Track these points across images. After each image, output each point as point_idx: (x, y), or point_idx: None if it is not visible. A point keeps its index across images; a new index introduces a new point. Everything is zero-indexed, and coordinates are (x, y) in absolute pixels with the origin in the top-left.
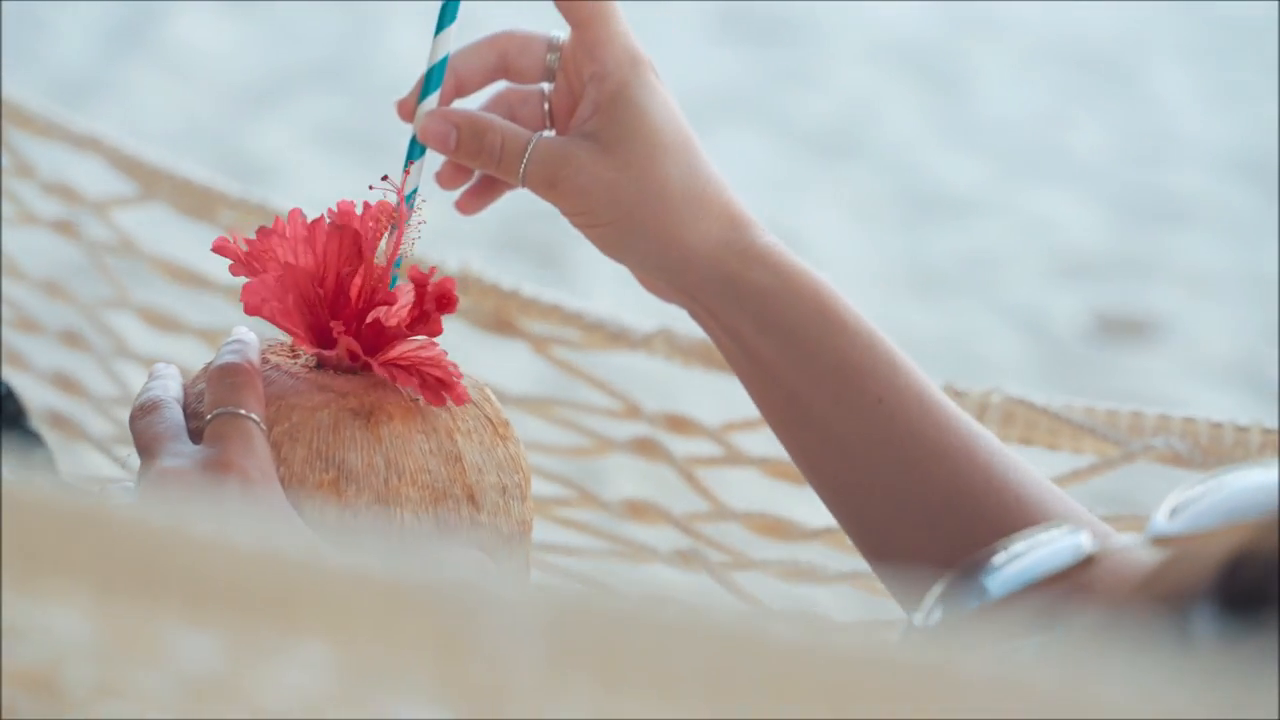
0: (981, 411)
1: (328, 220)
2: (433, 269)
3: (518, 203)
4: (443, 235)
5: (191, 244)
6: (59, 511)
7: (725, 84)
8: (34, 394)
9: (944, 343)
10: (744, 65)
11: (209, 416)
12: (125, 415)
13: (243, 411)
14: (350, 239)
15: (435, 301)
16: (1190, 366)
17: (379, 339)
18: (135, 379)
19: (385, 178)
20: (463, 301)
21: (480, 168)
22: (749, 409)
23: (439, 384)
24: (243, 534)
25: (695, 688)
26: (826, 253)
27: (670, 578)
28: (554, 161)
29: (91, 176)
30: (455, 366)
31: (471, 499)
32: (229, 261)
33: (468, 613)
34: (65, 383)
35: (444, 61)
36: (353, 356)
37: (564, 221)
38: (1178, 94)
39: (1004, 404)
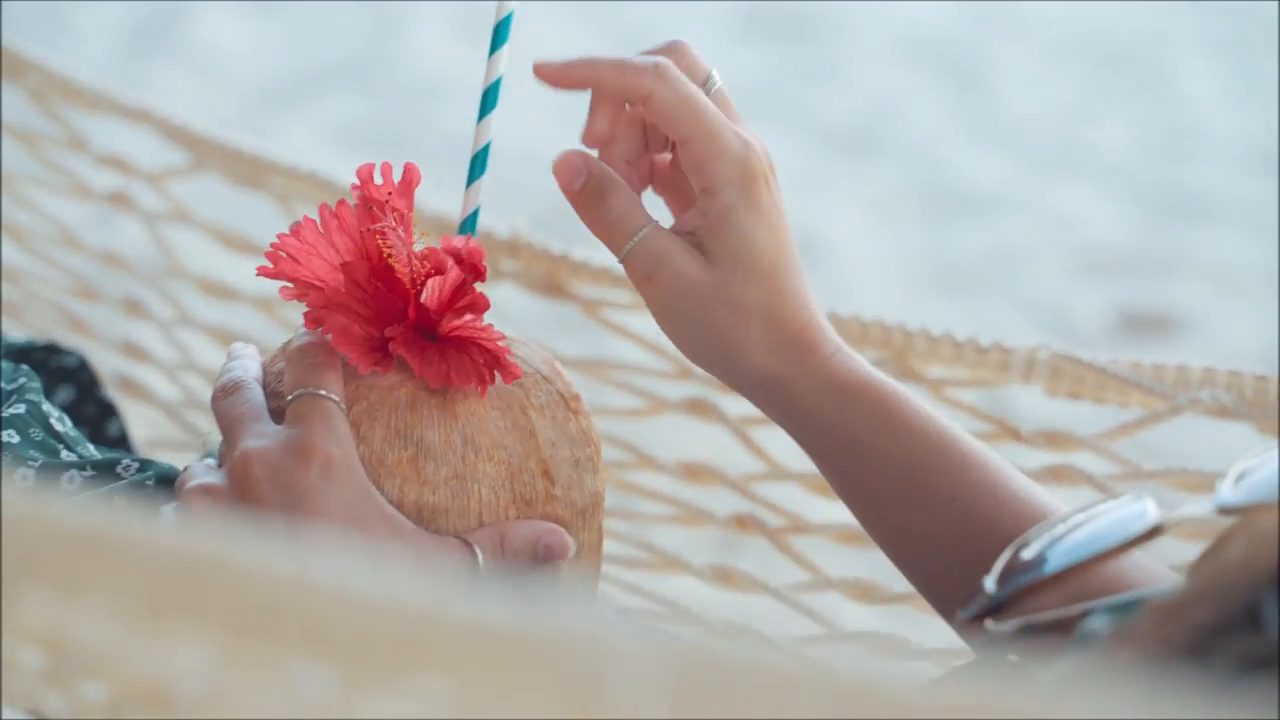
0: (1029, 368)
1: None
2: (469, 238)
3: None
4: (491, 203)
5: (244, 212)
6: (190, 557)
7: (749, 82)
8: (103, 361)
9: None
10: (768, 63)
11: (290, 397)
12: (190, 380)
13: (323, 392)
14: (374, 214)
15: (471, 271)
16: (1214, 362)
17: (441, 311)
18: (197, 345)
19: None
20: (514, 265)
21: (588, 224)
22: None
23: (494, 361)
24: (369, 583)
25: None
26: (850, 250)
27: (730, 540)
28: (656, 258)
29: (144, 148)
30: (506, 341)
31: (546, 473)
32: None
33: (592, 666)
34: (132, 350)
35: (498, 83)
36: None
37: None
38: (1201, 90)
39: (1051, 360)
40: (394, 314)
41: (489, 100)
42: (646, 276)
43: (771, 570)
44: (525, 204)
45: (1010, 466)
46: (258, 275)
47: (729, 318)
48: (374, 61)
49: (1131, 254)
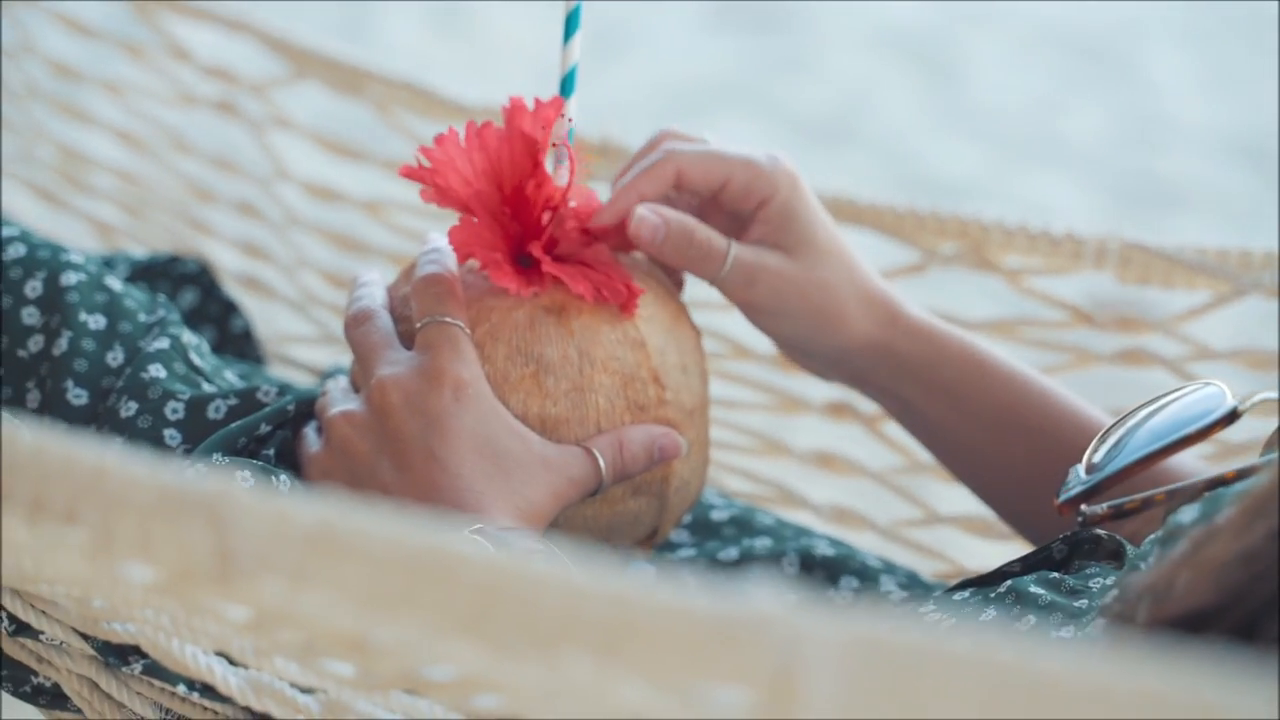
0: (1100, 256)
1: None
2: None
3: None
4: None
5: (346, 120)
6: (410, 549)
7: (721, 72)
8: (227, 259)
9: None
10: (740, 54)
11: (419, 325)
12: (306, 279)
13: (448, 319)
14: (522, 140)
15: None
16: (1188, 351)
17: (564, 240)
18: (310, 246)
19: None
20: (607, 169)
21: (681, 264)
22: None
23: (626, 288)
24: (577, 573)
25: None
26: (857, 194)
27: (825, 428)
28: (751, 267)
29: (245, 58)
30: (638, 263)
31: (657, 380)
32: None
33: (781, 648)
34: (251, 249)
35: (574, 70)
36: (553, 278)
37: None
38: (1173, 79)
39: (1122, 248)
40: (526, 238)
41: (566, 89)
42: (748, 285)
43: (867, 454)
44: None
45: (1077, 398)
46: (400, 175)
47: (826, 296)
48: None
49: None
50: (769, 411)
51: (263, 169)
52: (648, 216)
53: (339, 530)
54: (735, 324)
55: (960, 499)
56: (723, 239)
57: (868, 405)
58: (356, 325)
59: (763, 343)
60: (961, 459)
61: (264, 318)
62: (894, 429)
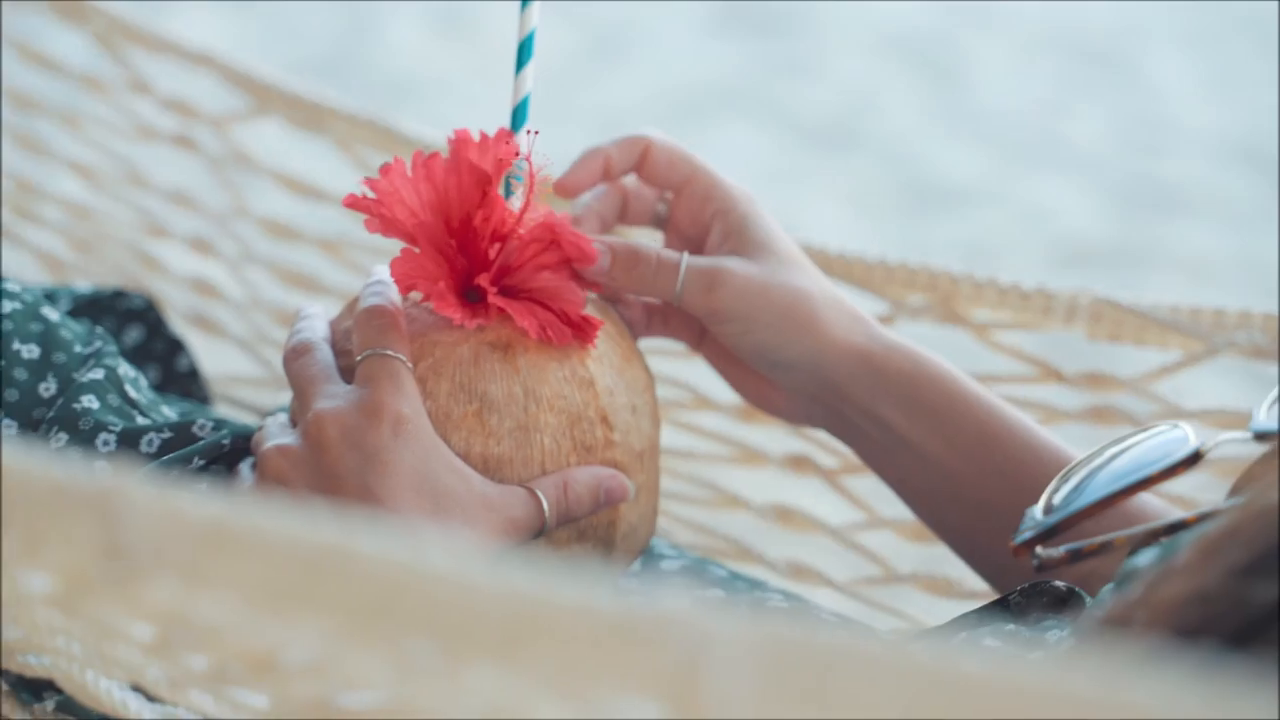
0: (1071, 312)
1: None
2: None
3: None
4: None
5: (305, 156)
6: (308, 545)
7: (724, 76)
8: (177, 297)
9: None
10: (744, 58)
11: (359, 358)
12: (258, 319)
13: (390, 352)
14: (470, 171)
15: (574, 244)
16: (1159, 410)
17: (515, 271)
18: (264, 284)
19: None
20: None
21: (633, 285)
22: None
23: (581, 322)
24: (478, 571)
25: None
26: (826, 244)
27: (783, 482)
28: (711, 270)
29: (206, 92)
30: (587, 302)
31: (605, 420)
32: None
33: (689, 648)
34: (203, 287)
35: (526, 100)
36: (499, 310)
37: None
38: (1175, 82)
39: (1093, 304)
40: (473, 270)
41: (519, 119)
42: (708, 290)
43: (826, 509)
44: None
45: (1056, 437)
46: (344, 205)
47: (795, 298)
48: (349, 58)
49: (1106, 246)
50: (726, 463)
51: (220, 205)
52: (588, 248)
53: (233, 525)
54: (695, 372)
55: (921, 557)
56: (673, 252)
57: (828, 459)
58: (295, 358)
59: (723, 392)
60: (936, 492)
61: (212, 357)
62: (855, 483)
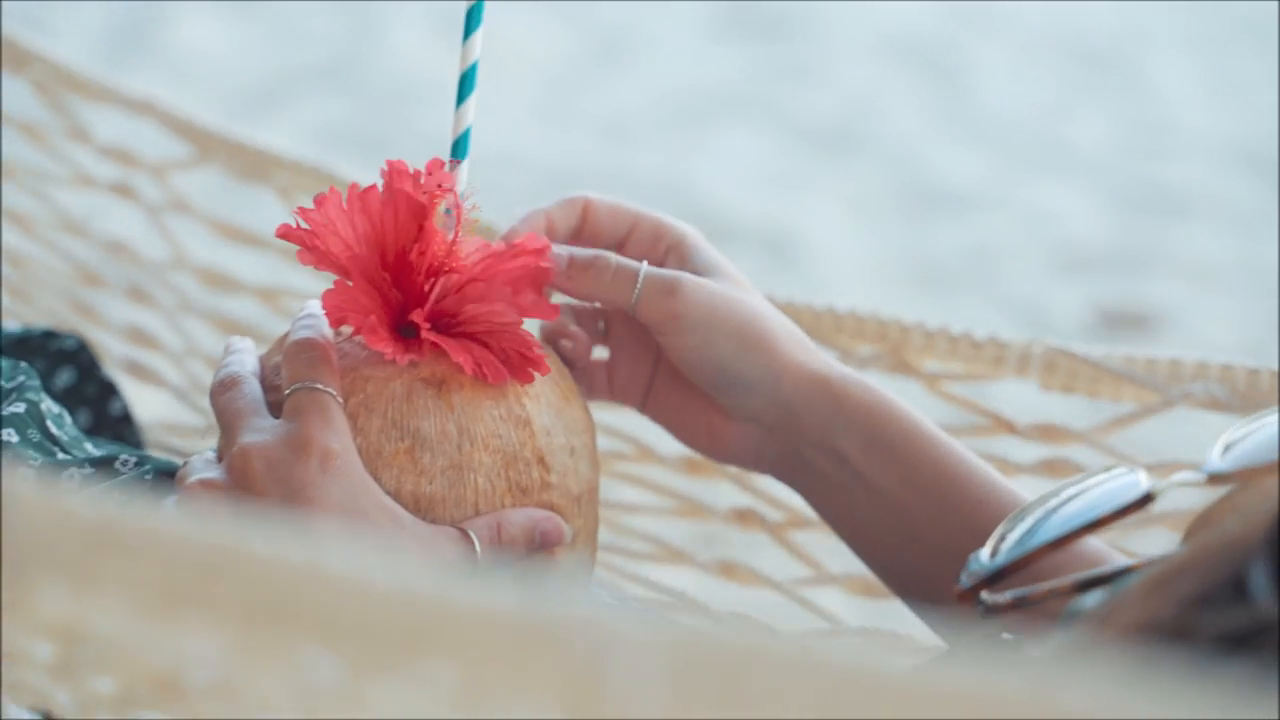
0: (1024, 362)
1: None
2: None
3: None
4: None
5: (247, 205)
6: (202, 548)
7: (726, 81)
8: (111, 346)
9: None
10: (746, 62)
11: (287, 391)
12: (195, 367)
13: (319, 386)
14: (406, 204)
15: (530, 270)
16: (1192, 357)
17: (451, 305)
18: (201, 334)
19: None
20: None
21: (590, 290)
22: None
23: (520, 358)
24: (378, 571)
25: None
26: (829, 248)
27: (730, 536)
28: (670, 277)
29: (146, 140)
30: (532, 336)
31: (541, 461)
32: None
33: (594, 651)
34: (138, 336)
35: (474, 68)
36: (434, 346)
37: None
38: (1178, 86)
39: (1046, 354)
40: (408, 305)
41: (466, 86)
42: (667, 294)
43: (773, 564)
44: (502, 204)
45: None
46: (277, 235)
47: (751, 315)
48: (353, 63)
49: (1109, 250)
50: (671, 516)
51: (158, 254)
52: (549, 250)
53: (122, 526)
54: (638, 423)
55: (869, 613)
56: (632, 260)
57: (775, 513)
58: (222, 391)
59: (667, 444)
60: (890, 534)
61: (147, 405)
62: (803, 537)
